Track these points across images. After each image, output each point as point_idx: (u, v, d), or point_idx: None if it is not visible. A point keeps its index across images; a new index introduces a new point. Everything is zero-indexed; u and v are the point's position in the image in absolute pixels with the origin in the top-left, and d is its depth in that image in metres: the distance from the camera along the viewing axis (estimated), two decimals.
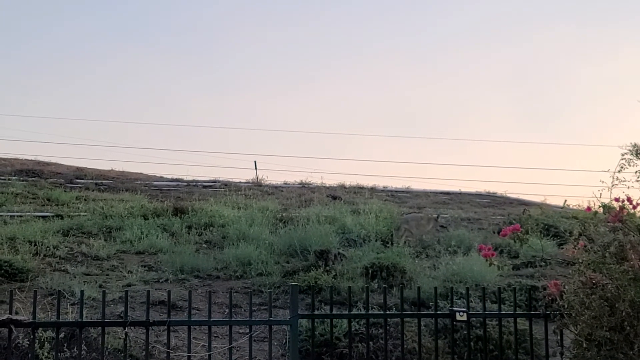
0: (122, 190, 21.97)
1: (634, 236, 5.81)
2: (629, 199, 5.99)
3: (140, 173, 28.58)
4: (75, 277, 10.93)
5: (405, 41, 62.50)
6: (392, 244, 14.02)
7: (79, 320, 6.19)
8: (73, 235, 14.22)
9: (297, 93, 65.03)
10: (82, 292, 6.30)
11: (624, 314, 5.39)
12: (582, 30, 59.32)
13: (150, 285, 10.87)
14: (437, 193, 26.18)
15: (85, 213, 16.55)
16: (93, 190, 21.55)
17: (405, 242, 14.71)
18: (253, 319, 6.79)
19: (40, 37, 61.84)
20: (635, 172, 6.09)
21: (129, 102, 62.08)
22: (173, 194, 21.92)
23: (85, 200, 18.94)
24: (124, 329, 6.15)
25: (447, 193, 27.21)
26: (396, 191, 26.72)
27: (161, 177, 28.04)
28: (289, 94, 65.62)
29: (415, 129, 64.07)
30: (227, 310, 8.91)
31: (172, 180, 26.88)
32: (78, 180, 24.05)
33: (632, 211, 6.03)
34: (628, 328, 5.43)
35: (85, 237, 14.18)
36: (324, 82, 65.18)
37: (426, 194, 25.53)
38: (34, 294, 6.11)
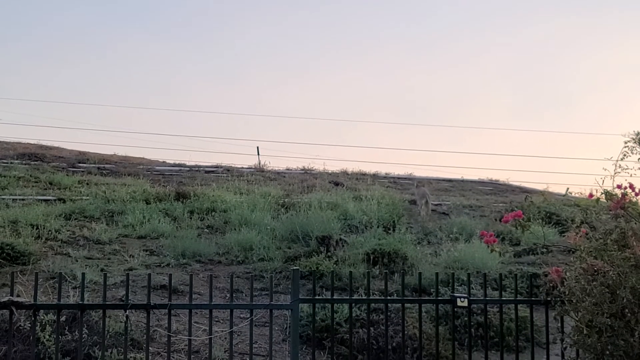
0: (125, 174, 21.98)
1: (635, 223, 5.81)
2: (631, 186, 5.98)
3: (143, 158, 28.59)
4: (77, 261, 10.95)
5: (409, 29, 62.43)
6: (393, 230, 14.02)
7: (80, 302, 6.19)
8: (75, 219, 14.24)
9: (301, 80, 65.04)
10: (83, 274, 6.30)
11: (624, 300, 5.38)
12: (586, 18, 59.10)
13: (152, 269, 10.88)
14: (439, 180, 26.19)
15: (88, 197, 16.56)
16: (95, 175, 21.56)
17: (425, 210, 16.99)
18: (254, 303, 6.79)
19: (45, 22, 61.77)
20: (638, 159, 6.07)
21: (133, 87, 62.10)
22: (175, 179, 21.93)
23: (87, 184, 18.96)
24: (125, 312, 6.14)
25: (450, 180, 27.22)
26: (398, 178, 26.74)
27: (164, 162, 28.06)
28: (293, 81, 65.63)
29: (418, 116, 64.01)
30: (228, 295, 8.93)
31: (175, 165, 26.89)
32: (80, 165, 24.05)
33: (634, 198, 6.01)
34: (629, 315, 5.43)
35: (87, 221, 14.20)
36: (328, 69, 65.15)
37: (429, 181, 25.50)
38: (35, 277, 6.11)
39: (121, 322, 7.44)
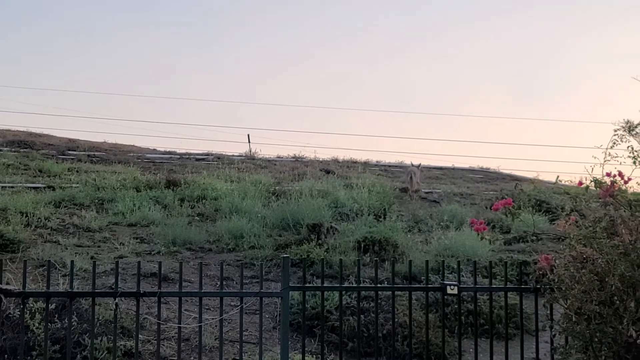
0: (115, 162, 21.94)
1: (624, 211, 5.82)
2: (621, 174, 5.98)
3: (133, 145, 28.52)
4: (66, 249, 10.94)
5: (400, 17, 62.31)
6: (384, 218, 14.04)
7: (70, 290, 6.19)
8: (65, 206, 14.20)
9: (292, 68, 64.94)
10: (72, 262, 6.28)
11: (613, 288, 5.40)
12: (576, 6, 59.11)
13: (142, 257, 10.88)
14: (430, 168, 26.20)
15: (77, 185, 16.51)
16: (85, 162, 21.51)
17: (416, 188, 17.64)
18: (244, 291, 6.79)
19: (35, 9, 61.36)
20: (627, 147, 6.08)
21: (124, 75, 61.81)
22: (166, 167, 21.89)
23: (77, 171, 18.91)
24: (115, 299, 6.14)
25: (441, 168, 27.26)
26: (389, 166, 26.77)
27: (154, 149, 28.00)
28: (284, 69, 65.51)
29: (409, 104, 64.10)
30: (218, 283, 8.94)
31: (165, 152, 26.85)
32: (70, 152, 23.98)
33: (623, 186, 6.03)
34: (617, 302, 5.45)
35: (77, 209, 14.17)
36: (319, 58, 65.05)
37: (419, 169, 25.52)
38: (24, 264, 6.10)
39: (111, 309, 7.43)
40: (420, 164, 19.97)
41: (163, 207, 14.78)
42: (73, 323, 6.77)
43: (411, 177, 19.10)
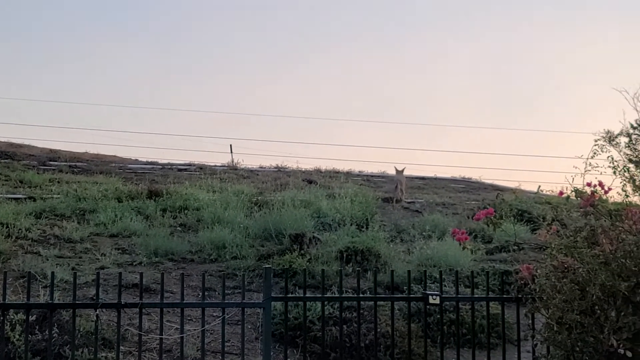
0: (97, 172, 21.83)
1: (605, 221, 5.86)
2: (601, 184, 6.03)
3: (115, 156, 28.39)
4: (47, 260, 10.86)
5: (379, 26, 62.51)
6: (367, 228, 14.05)
7: (50, 302, 6.15)
8: (46, 217, 14.10)
9: (274, 78, 64.85)
10: (52, 273, 6.25)
11: (594, 297, 5.42)
12: (557, 15, 59.59)
13: (124, 268, 10.83)
14: (412, 178, 26.24)
15: (59, 195, 16.41)
16: (67, 173, 21.38)
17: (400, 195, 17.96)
18: (226, 301, 6.77)
19: (12, 18, 61.04)
20: (607, 157, 6.13)
21: (105, 84, 61.52)
22: (148, 177, 21.81)
23: (58, 182, 18.81)
24: (96, 311, 6.11)
25: (423, 178, 27.32)
26: (372, 176, 26.81)
27: (136, 159, 27.89)
28: (266, 79, 65.43)
29: (391, 114, 64.09)
30: (200, 294, 8.91)
31: (147, 163, 26.75)
32: (51, 163, 23.84)
33: (604, 196, 6.07)
34: (598, 312, 5.48)
35: (58, 220, 14.07)
36: (301, 67, 65.03)
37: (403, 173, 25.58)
38: (4, 276, 6.05)
39: (92, 321, 7.39)
40: (404, 168, 20.19)
41: (145, 217, 14.71)
42: (54, 335, 6.72)
43: (396, 186, 19.30)
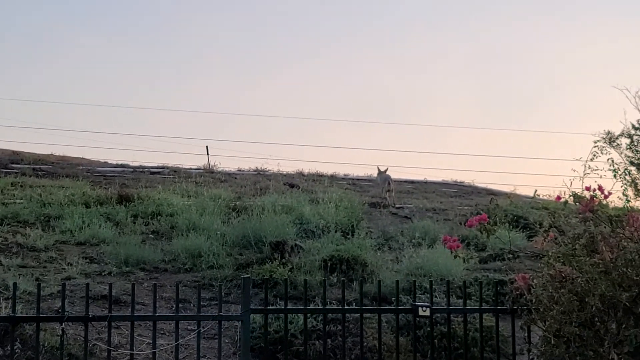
0: (63, 176, 21.68)
1: (605, 227, 5.89)
2: (600, 188, 6.06)
3: (83, 158, 28.23)
4: (9, 270, 10.78)
5: (366, 23, 62.60)
6: (352, 235, 14.06)
7: (12, 315, 6.11)
8: (8, 224, 14.00)
9: (254, 76, 64.75)
10: (14, 284, 6.21)
11: (594, 309, 5.46)
12: (554, 11, 59.92)
13: (92, 278, 10.77)
14: (401, 182, 26.25)
15: (22, 200, 16.28)
16: (30, 176, 21.20)
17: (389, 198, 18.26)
18: (201, 314, 6.75)
19: None
20: (608, 159, 6.18)
21: (72, 81, 61.26)
22: (118, 181, 21.69)
23: (21, 186, 18.63)
24: (61, 324, 6.08)
25: (412, 182, 27.33)
26: (358, 179, 26.80)
27: (105, 162, 27.75)
28: (245, 77, 65.37)
29: (378, 114, 64.14)
30: (174, 306, 8.88)
31: (117, 165, 26.63)
32: (14, 165, 23.66)
33: (603, 201, 6.10)
34: (598, 324, 5.51)
35: (21, 227, 13.97)
36: (283, 65, 65.02)
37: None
38: None
39: (57, 335, 7.34)
40: (387, 168, 20.39)
41: (115, 224, 14.63)
42: (16, 350, 6.68)
43: (389, 183, 19.41)
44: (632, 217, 5.81)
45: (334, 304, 9.16)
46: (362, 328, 6.77)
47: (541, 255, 6.36)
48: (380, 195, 19.93)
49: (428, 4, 60.97)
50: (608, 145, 6.46)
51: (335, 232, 14.01)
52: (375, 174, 22.06)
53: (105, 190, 18.26)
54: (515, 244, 12.02)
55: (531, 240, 8.03)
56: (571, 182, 6.12)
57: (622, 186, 6.34)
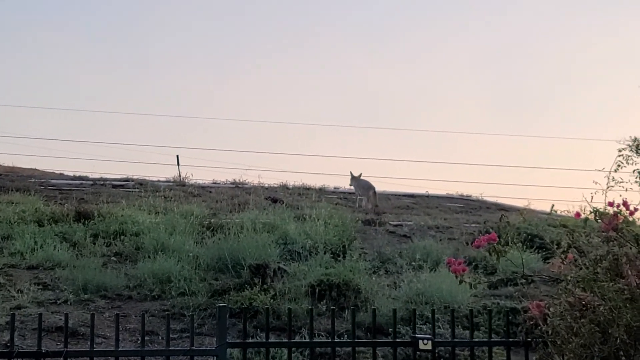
0: (12, 189, 21.62)
1: (631, 248, 5.90)
2: (625, 203, 6.05)
3: (35, 169, 28.23)
4: None
5: (359, 18, 62.63)
6: (344, 257, 14.06)
7: None
8: None
9: (231, 78, 64.65)
10: None
11: (618, 341, 5.47)
12: (572, 4, 60.18)
13: (46, 307, 10.74)
14: (399, 195, 26.34)
15: None
16: None
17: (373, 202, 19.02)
18: (171, 348, 6.74)
19: None
20: (634, 170, 6.19)
21: (21, 82, 61.10)
22: (75, 195, 21.67)
23: None
24: None
25: (412, 196, 27.40)
26: (350, 193, 26.82)
27: (61, 174, 27.74)
28: (221, 79, 65.27)
29: (373, 119, 64.13)
30: (140, 339, 8.85)
31: (75, 178, 26.60)
32: None
33: (629, 218, 6.10)
34: (623, 358, 5.52)
35: None
36: (263, 65, 64.92)
37: (386, 196, 25.64)
38: None
39: None
40: (360, 174, 20.73)
41: (72, 245, 14.60)
42: None
43: (374, 192, 19.59)
44: None
45: (322, 336, 9.15)
46: None
47: (559, 280, 6.37)
48: (362, 206, 20.15)
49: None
50: (635, 154, 6.48)
51: (325, 253, 14.00)
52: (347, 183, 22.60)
53: (60, 206, 18.23)
54: (529, 267, 12.05)
55: (547, 263, 8.02)
56: (592, 196, 6.13)
57: None
